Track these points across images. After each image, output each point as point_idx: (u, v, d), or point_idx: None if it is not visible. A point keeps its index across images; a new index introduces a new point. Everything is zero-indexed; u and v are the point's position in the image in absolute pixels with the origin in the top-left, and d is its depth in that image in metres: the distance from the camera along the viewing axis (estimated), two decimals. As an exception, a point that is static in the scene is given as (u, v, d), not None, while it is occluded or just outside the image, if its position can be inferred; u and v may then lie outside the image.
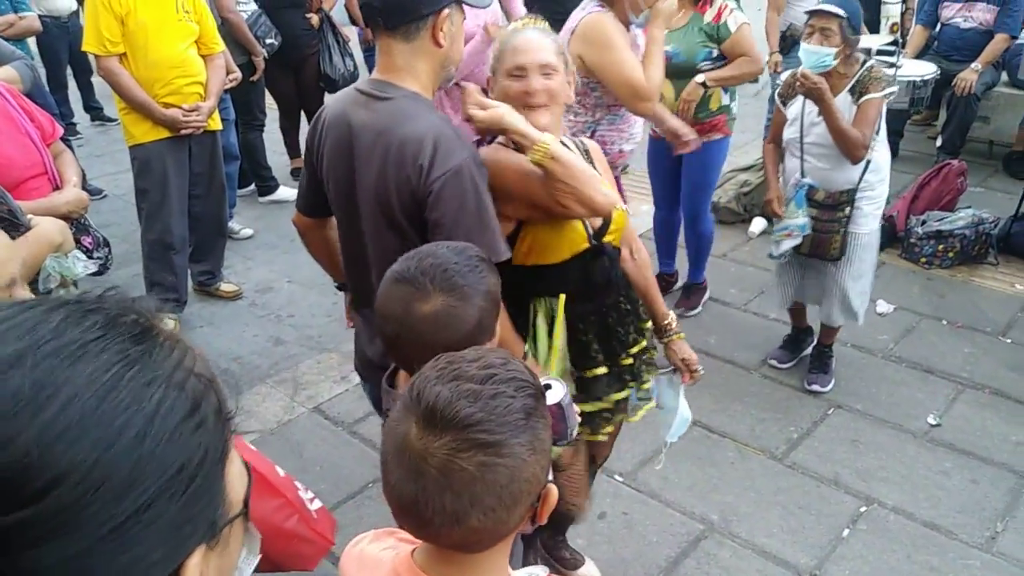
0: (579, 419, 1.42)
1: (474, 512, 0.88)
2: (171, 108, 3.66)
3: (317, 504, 1.74)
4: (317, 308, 4.19)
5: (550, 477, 0.99)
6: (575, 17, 2.96)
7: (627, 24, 2.94)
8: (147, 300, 0.62)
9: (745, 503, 2.88)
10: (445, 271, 1.33)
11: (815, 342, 3.58)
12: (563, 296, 1.91)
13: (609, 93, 2.98)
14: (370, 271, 1.87)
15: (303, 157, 2.05)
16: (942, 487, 2.94)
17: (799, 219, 3.15)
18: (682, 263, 4.24)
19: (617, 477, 3.00)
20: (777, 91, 3.34)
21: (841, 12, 2.94)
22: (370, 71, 6.76)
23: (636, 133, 3.21)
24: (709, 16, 3.46)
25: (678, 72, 3.47)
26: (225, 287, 4.32)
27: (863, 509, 2.85)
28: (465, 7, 1.83)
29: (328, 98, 2.28)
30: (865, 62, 3.08)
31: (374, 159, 1.74)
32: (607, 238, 1.97)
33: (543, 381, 1.38)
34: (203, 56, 3.82)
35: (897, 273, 4.39)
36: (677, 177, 3.88)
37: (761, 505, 2.88)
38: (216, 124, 3.95)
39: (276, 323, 4.11)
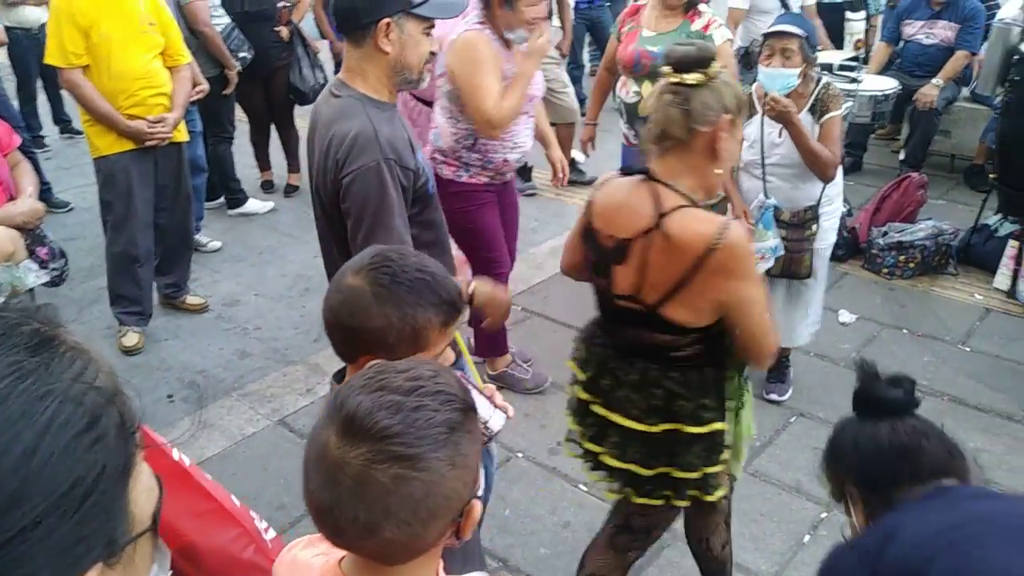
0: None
1: (387, 524, 0.88)
2: (136, 120, 3.64)
3: (272, 534, 1.74)
4: (284, 321, 4.17)
5: (480, 492, 0.98)
6: (456, 29, 3.00)
7: (506, 42, 2.98)
8: (51, 308, 0.60)
9: (707, 511, 2.90)
10: (387, 267, 1.28)
11: None
12: None
13: None
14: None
15: None
16: (901, 494, 2.97)
17: (770, 241, 3.12)
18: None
19: (582, 487, 3.01)
20: None
21: (801, 32, 2.95)
22: (339, 84, 6.34)
23: (522, 142, 3.19)
24: (698, 25, 3.50)
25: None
26: (191, 300, 4.29)
27: (824, 515, 2.88)
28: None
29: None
30: (820, 80, 3.11)
31: (317, 150, 1.93)
32: None
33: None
34: (169, 67, 3.81)
35: (859, 283, 4.46)
36: None
37: (723, 513, 2.90)
38: (182, 136, 3.94)
39: (242, 336, 4.08)
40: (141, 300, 3.95)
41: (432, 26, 1.98)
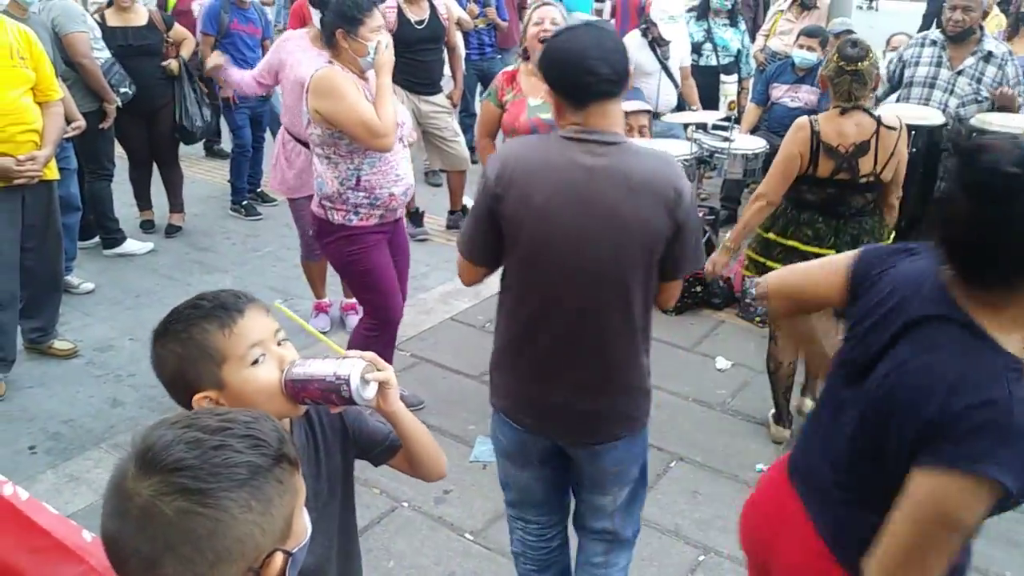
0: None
1: (168, 559, 0.86)
2: (3, 157, 3.47)
3: None
4: (161, 367, 4.00)
5: (294, 548, 0.95)
6: (308, 75, 3.11)
7: (360, 72, 3.11)
8: None
9: (591, 557, 2.94)
10: (170, 319, 1.30)
11: None
12: None
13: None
14: (563, 309, 1.99)
15: (477, 209, 2.01)
16: (772, 533, 3.11)
17: None
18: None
19: (467, 536, 3.01)
20: None
21: (650, 107, 3.17)
22: (231, 126, 6.46)
23: (403, 173, 3.27)
24: None
25: None
26: (59, 345, 4.07)
27: (701, 558, 2.98)
28: None
29: (504, 145, 2.22)
30: None
31: (623, 194, 1.89)
32: None
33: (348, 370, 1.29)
34: (40, 103, 3.65)
35: (735, 331, 4.68)
36: None
37: (606, 558, 2.95)
38: (53, 173, 3.77)
39: (115, 383, 3.89)
40: (3, 345, 3.72)
41: None
